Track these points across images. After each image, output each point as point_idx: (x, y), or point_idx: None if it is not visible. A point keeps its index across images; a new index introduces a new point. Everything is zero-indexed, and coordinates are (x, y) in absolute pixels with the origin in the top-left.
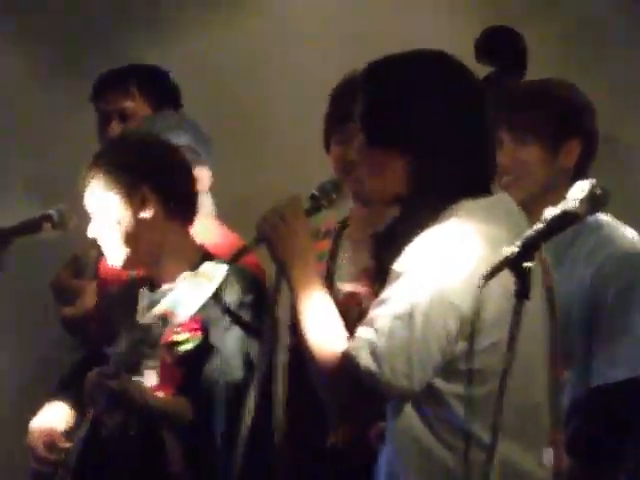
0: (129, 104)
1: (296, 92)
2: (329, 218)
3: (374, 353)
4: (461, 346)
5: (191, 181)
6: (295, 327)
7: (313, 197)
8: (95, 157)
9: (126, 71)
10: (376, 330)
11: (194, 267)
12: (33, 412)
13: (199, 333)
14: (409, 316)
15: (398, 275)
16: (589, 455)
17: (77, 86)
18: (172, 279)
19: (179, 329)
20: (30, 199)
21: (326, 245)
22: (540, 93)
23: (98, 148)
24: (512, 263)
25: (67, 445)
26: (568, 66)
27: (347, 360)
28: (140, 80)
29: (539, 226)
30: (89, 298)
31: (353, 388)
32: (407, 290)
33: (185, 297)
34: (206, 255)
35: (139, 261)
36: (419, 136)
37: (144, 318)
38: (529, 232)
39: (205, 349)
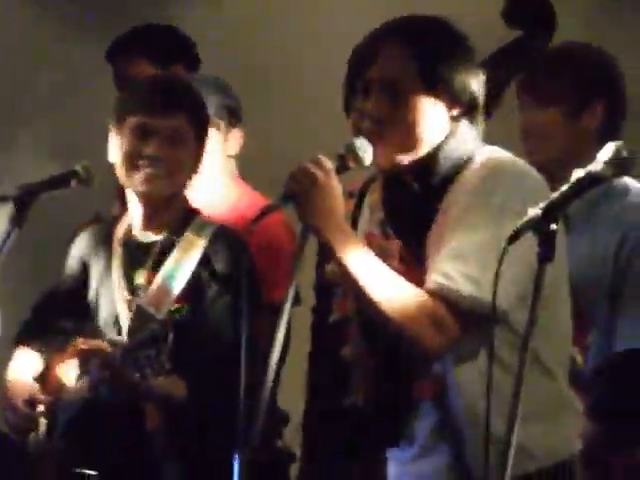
0: (136, 70)
1: (322, 58)
2: (355, 179)
3: (471, 278)
4: None
5: None
6: (320, 289)
7: (340, 157)
8: None
9: (129, 37)
10: (464, 258)
11: (178, 221)
12: None
13: (185, 303)
14: (498, 241)
15: (477, 205)
16: (611, 421)
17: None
18: (157, 227)
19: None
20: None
21: (349, 206)
22: (560, 56)
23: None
24: (536, 226)
25: (45, 400)
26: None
27: (444, 292)
28: (143, 44)
29: (563, 188)
30: None
31: (448, 321)
32: (491, 216)
33: (176, 268)
34: (190, 210)
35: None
36: (470, 88)
37: (141, 297)
38: (554, 194)
39: (193, 318)
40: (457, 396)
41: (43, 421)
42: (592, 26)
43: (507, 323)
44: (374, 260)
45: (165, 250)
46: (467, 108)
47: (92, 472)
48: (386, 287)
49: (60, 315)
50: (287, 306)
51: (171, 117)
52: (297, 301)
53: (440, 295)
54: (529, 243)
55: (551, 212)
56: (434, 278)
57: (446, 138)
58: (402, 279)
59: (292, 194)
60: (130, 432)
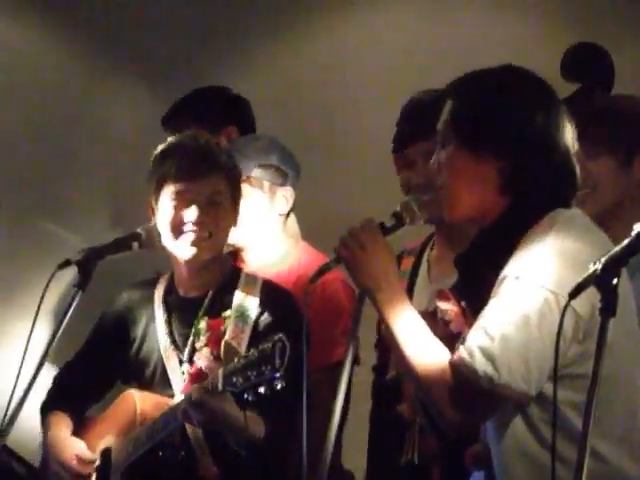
0: None
1: (382, 115)
2: (416, 237)
3: (490, 357)
4: (574, 349)
5: None
6: (379, 345)
7: (395, 214)
8: None
9: (178, 107)
10: (489, 335)
11: (225, 278)
12: None
13: None
14: (525, 319)
15: (510, 280)
16: None
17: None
18: (201, 286)
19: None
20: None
21: (407, 264)
22: (611, 107)
23: None
24: (597, 280)
25: (94, 458)
26: None
27: (460, 367)
28: (192, 111)
29: (626, 241)
30: None
31: (464, 397)
32: (522, 294)
33: (243, 309)
34: (235, 268)
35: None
36: (519, 142)
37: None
38: (616, 248)
39: None
40: (495, 461)
41: (95, 476)
42: None
43: (541, 400)
44: (417, 323)
45: (215, 304)
46: (521, 165)
47: None
48: (420, 352)
49: (83, 383)
50: (348, 365)
51: (207, 181)
52: (357, 361)
53: (458, 370)
54: (553, 318)
55: (611, 266)
56: (459, 350)
57: (508, 204)
58: (439, 346)
59: (343, 261)
60: None
